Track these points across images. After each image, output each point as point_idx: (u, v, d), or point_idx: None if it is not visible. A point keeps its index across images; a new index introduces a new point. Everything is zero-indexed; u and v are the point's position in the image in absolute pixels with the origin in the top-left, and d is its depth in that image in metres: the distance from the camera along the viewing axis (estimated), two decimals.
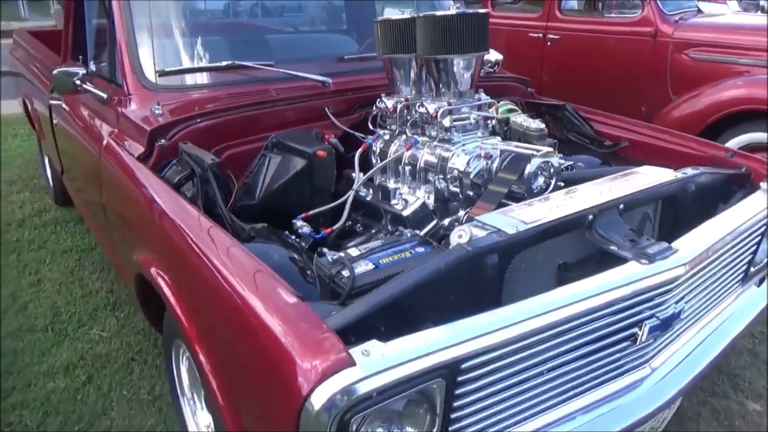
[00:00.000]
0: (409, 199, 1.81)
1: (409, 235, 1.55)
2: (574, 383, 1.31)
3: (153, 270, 1.47)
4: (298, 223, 1.68)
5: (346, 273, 1.25)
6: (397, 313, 1.13)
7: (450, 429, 1.14)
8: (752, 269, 1.86)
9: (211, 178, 1.58)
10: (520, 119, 2.03)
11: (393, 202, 1.83)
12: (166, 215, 1.45)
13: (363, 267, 1.28)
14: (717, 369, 2.26)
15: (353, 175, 1.89)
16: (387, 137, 1.96)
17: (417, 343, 1.02)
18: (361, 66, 2.30)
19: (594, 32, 4.36)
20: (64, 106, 2.49)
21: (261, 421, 1.14)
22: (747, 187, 1.85)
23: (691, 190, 1.71)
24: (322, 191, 1.83)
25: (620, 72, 4.18)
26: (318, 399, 0.94)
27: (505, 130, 2.03)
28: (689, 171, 1.76)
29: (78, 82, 2.05)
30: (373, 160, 1.97)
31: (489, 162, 1.72)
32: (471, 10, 1.78)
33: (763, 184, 1.82)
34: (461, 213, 1.72)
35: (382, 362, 0.97)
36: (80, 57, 2.58)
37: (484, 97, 1.91)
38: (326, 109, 2.02)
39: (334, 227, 1.71)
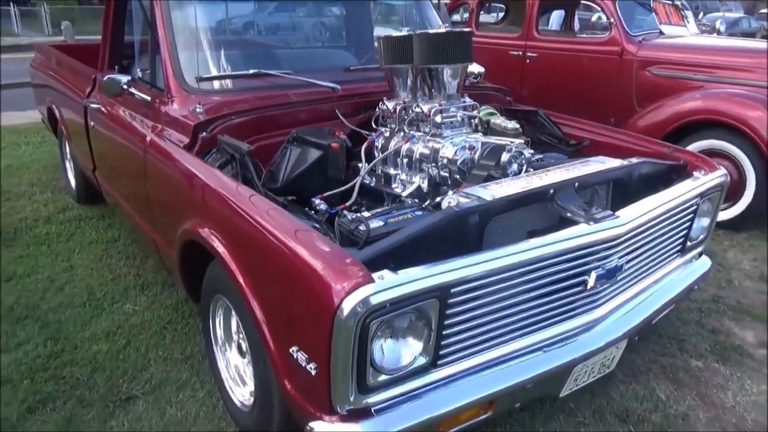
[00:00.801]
0: (407, 183, 2.20)
1: (409, 202, 1.93)
2: (538, 317, 1.69)
3: (205, 231, 1.83)
4: (317, 201, 2.05)
5: (362, 227, 1.63)
6: (402, 254, 1.50)
7: (441, 343, 1.50)
8: (689, 243, 2.26)
9: (248, 162, 1.96)
10: (499, 120, 2.42)
11: (393, 185, 2.22)
12: (216, 188, 1.82)
13: (375, 223, 1.66)
14: (666, 335, 2.65)
15: (359, 165, 2.27)
16: (387, 134, 2.34)
17: (417, 272, 1.40)
18: (364, 75, 2.69)
19: (568, 51, 4.84)
20: (103, 109, 2.85)
21: (302, 335, 1.49)
22: (683, 176, 2.25)
23: (635, 176, 2.12)
24: (334, 178, 2.20)
25: (591, 86, 4.63)
26: (346, 306, 1.30)
27: (486, 129, 2.42)
28: (634, 160, 2.17)
29: (125, 87, 2.41)
30: (376, 153, 2.35)
31: (472, 152, 2.10)
32: (457, 29, 2.19)
33: (695, 173, 2.24)
34: (450, 193, 2.09)
35: (392, 282, 1.34)
36: (116, 66, 2.96)
37: (469, 101, 2.31)
38: (336, 110, 2.40)
39: (346, 204, 2.08)
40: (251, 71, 2.38)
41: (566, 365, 1.75)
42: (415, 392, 1.51)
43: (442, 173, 2.13)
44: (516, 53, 5.17)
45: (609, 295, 1.86)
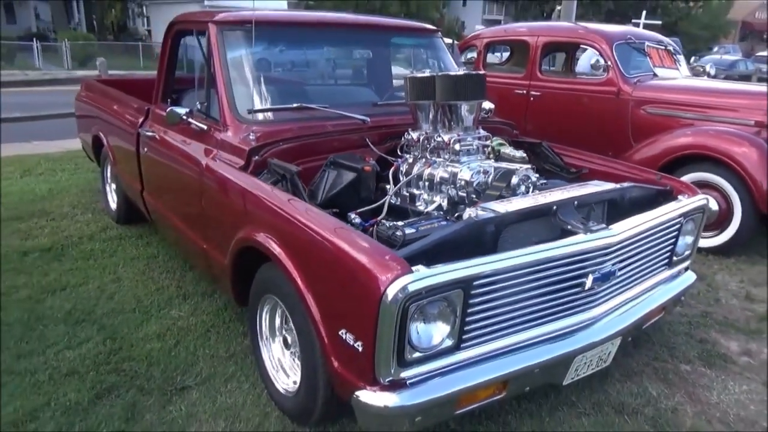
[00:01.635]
0: (429, 202, 2.54)
1: (435, 214, 2.27)
2: (544, 311, 2.01)
3: (261, 236, 2.16)
4: (352, 215, 2.37)
5: (399, 233, 1.97)
6: (432, 255, 1.82)
7: (465, 329, 1.82)
8: (675, 258, 2.58)
9: (297, 181, 2.31)
10: (508, 150, 2.79)
11: (417, 204, 2.56)
12: (272, 201, 2.17)
13: (408, 230, 2.00)
14: (659, 343, 2.95)
15: (387, 186, 2.62)
16: (411, 160, 2.69)
17: (446, 267, 1.72)
18: (389, 110, 3.06)
19: (568, 90, 5.25)
20: (156, 136, 3.22)
21: (351, 319, 1.81)
22: (669, 199, 2.59)
23: (627, 197, 2.46)
24: (366, 197, 2.55)
25: (590, 123, 5.03)
26: (390, 292, 1.63)
27: (497, 157, 2.77)
28: (625, 185, 2.52)
29: (185, 117, 2.79)
30: (401, 177, 2.69)
31: (486, 176, 2.45)
32: (473, 72, 2.57)
33: (680, 197, 2.58)
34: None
35: (426, 273, 1.67)
36: (168, 99, 3.35)
37: (483, 132, 2.67)
38: (367, 139, 2.77)
39: (378, 218, 2.42)
40: (294, 105, 2.76)
41: (568, 354, 2.07)
42: (441, 370, 1.82)
43: (460, 193, 2.47)
44: (521, 92, 5.58)
45: (604, 296, 2.18)
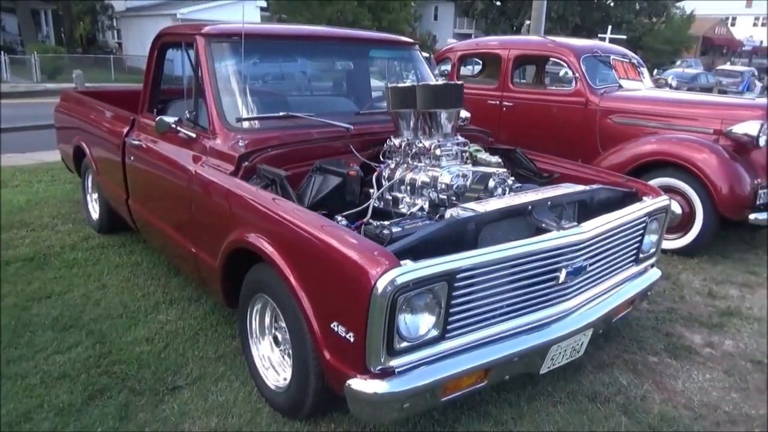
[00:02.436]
0: (411, 205, 2.67)
1: (419, 215, 2.40)
2: (522, 303, 2.15)
3: (252, 236, 2.26)
4: (339, 217, 2.48)
5: (386, 231, 2.09)
6: (417, 251, 1.95)
7: (449, 319, 1.95)
8: (642, 255, 2.76)
9: (286, 185, 2.42)
10: (485, 155, 2.95)
11: (400, 207, 2.69)
12: (262, 203, 2.27)
13: (395, 229, 2.13)
14: (628, 337, 3.12)
15: (371, 190, 2.74)
16: (393, 165, 2.82)
17: (431, 261, 1.85)
18: (371, 118, 3.20)
19: (539, 101, 5.48)
20: (143, 145, 3.29)
21: (342, 311, 1.92)
22: (635, 200, 2.76)
23: (596, 198, 2.63)
24: (350, 201, 2.66)
25: (560, 132, 5.25)
26: (380, 284, 1.75)
27: (474, 162, 2.92)
28: (594, 187, 2.69)
29: (173, 126, 2.87)
30: (383, 182, 2.82)
31: (465, 179, 2.59)
32: (452, 82, 2.72)
33: (644, 198, 2.76)
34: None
35: (413, 267, 1.80)
36: (154, 109, 3.43)
37: (461, 139, 2.82)
38: (351, 146, 2.89)
39: (363, 220, 2.54)
40: (281, 113, 2.87)
41: (545, 344, 2.21)
42: (427, 359, 1.95)
43: (440, 196, 2.61)
44: (494, 102, 5.79)
45: (577, 290, 2.33)
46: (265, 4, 26.17)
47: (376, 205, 2.69)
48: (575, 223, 2.28)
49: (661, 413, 2.52)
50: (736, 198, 4.22)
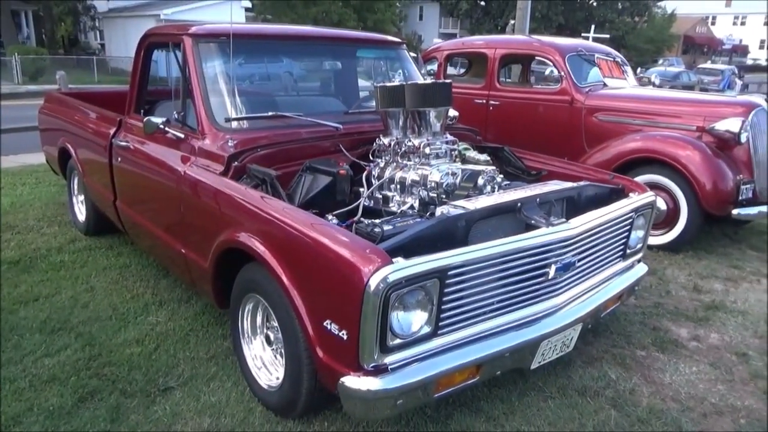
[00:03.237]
0: (401, 203, 2.68)
1: (410, 212, 2.42)
2: (512, 299, 2.18)
3: (243, 236, 2.26)
4: (330, 216, 2.49)
5: (377, 229, 2.10)
6: (408, 248, 1.96)
7: (441, 316, 1.96)
8: (629, 250, 2.80)
9: (276, 184, 2.42)
10: (473, 153, 2.97)
11: (390, 205, 2.70)
12: (255, 203, 2.27)
13: (386, 227, 2.14)
14: (616, 332, 3.16)
15: (361, 189, 2.75)
16: (383, 164, 2.84)
17: (423, 258, 1.86)
18: (359, 118, 3.20)
19: (525, 99, 5.52)
20: (131, 146, 3.27)
21: (335, 309, 1.92)
22: (621, 196, 2.80)
23: (583, 195, 2.66)
24: (341, 200, 2.67)
25: (546, 130, 5.29)
26: (373, 282, 1.76)
27: (462, 160, 2.94)
28: (582, 184, 2.72)
29: (161, 126, 2.86)
30: (373, 180, 2.83)
31: (455, 177, 2.61)
32: (440, 80, 2.73)
33: (631, 195, 2.80)
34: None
35: (405, 264, 1.81)
36: (141, 110, 3.41)
37: (450, 137, 2.83)
38: (340, 145, 2.90)
39: (354, 219, 2.54)
40: (270, 113, 2.87)
41: (535, 340, 2.23)
42: (420, 356, 1.96)
43: (430, 194, 2.62)
44: (480, 101, 5.82)
45: (566, 285, 2.36)
46: (249, 5, 26.09)
47: (366, 203, 2.70)
48: (564, 220, 2.31)
49: (649, 406, 2.55)
50: (719, 194, 4.29)
